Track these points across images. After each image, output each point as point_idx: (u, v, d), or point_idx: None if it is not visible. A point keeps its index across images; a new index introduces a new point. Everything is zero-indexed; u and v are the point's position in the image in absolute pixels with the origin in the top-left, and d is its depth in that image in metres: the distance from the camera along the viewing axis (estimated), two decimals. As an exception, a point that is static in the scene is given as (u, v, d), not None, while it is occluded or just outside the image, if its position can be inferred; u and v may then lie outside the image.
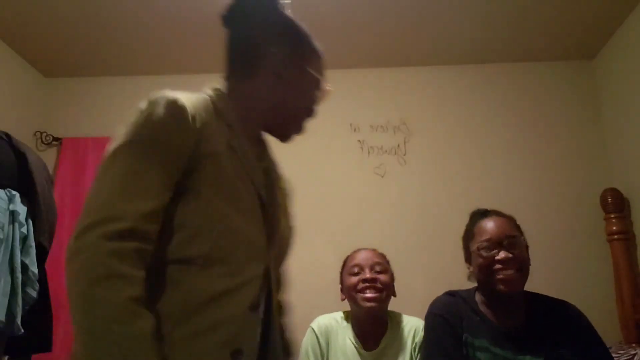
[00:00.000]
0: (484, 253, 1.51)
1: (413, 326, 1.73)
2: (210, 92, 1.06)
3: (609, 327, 2.59)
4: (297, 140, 3.31)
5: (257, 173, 1.03)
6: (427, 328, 1.59)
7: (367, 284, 1.69)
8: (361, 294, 1.69)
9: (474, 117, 3.03)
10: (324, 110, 3.45)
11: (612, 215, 2.66)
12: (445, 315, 1.55)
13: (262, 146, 1.16)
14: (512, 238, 1.51)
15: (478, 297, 1.59)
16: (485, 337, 1.49)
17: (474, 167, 2.94)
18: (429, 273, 2.74)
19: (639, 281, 2.61)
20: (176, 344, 0.85)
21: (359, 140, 3.04)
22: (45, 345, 1.91)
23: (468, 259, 1.61)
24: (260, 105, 1.08)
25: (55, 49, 2.93)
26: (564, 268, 2.73)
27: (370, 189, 2.94)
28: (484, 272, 1.51)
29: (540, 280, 2.64)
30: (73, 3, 2.55)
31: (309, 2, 2.56)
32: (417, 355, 1.65)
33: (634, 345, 2.38)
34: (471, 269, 1.59)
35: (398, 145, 3.02)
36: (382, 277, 1.73)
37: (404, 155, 3.00)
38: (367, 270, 1.73)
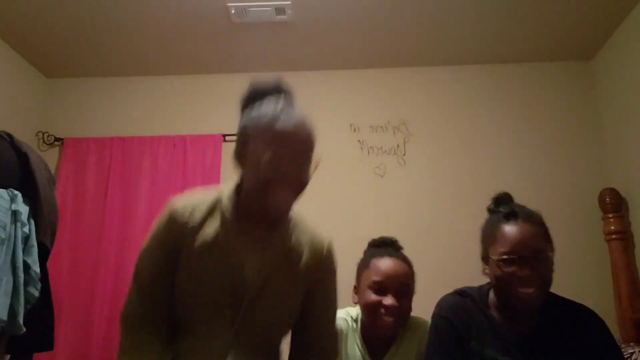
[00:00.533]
0: (504, 267, 1.34)
1: (423, 332, 1.56)
2: (228, 186, 1.25)
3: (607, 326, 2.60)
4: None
5: (236, 264, 1.16)
6: (432, 331, 1.48)
7: (389, 310, 1.50)
8: (378, 317, 1.51)
9: (472, 118, 3.04)
10: (324, 110, 3.51)
11: (610, 215, 2.68)
12: (452, 319, 1.43)
13: (269, 233, 1.21)
14: (540, 253, 1.35)
15: (492, 297, 1.46)
16: (494, 345, 1.38)
17: (472, 167, 2.96)
18: (428, 272, 2.74)
19: (637, 280, 2.62)
20: None
21: (358, 141, 3.05)
22: (47, 344, 1.92)
23: (485, 259, 1.44)
24: (244, 194, 1.21)
25: (57, 49, 2.94)
26: (562, 267, 2.71)
27: (370, 189, 2.96)
28: (501, 285, 1.36)
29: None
30: (75, 4, 2.56)
31: (309, 4, 2.57)
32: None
33: (632, 344, 2.39)
34: (487, 270, 1.43)
35: (398, 146, 3.03)
36: (405, 303, 1.54)
37: (404, 155, 3.02)
38: (390, 295, 1.50)
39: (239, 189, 1.22)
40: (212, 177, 2.93)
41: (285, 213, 1.20)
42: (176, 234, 1.18)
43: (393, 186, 2.96)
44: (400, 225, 2.85)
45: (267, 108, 1.20)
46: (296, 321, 1.25)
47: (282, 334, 1.25)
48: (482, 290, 1.49)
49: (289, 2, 2.57)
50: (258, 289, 1.16)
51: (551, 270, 1.37)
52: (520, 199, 2.90)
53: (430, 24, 2.75)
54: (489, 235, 1.42)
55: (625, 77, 2.72)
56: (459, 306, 1.46)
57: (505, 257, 1.33)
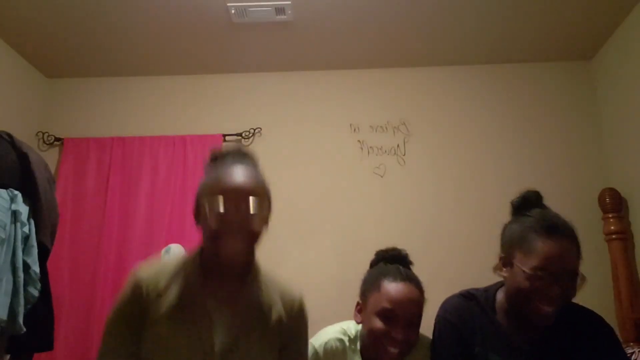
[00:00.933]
0: (533, 281, 1.26)
1: (427, 351, 1.46)
2: (196, 250, 1.26)
3: (607, 326, 2.60)
4: (298, 141, 3.33)
5: (205, 326, 1.16)
6: (436, 334, 1.45)
7: (396, 343, 1.37)
8: (383, 347, 1.38)
9: (472, 118, 3.04)
10: (324, 110, 3.50)
11: (610, 215, 2.68)
12: (456, 323, 1.40)
13: (237, 291, 1.23)
14: (575, 276, 1.28)
15: (500, 300, 1.41)
16: (499, 350, 1.34)
17: (472, 167, 2.96)
18: (428, 273, 2.73)
19: (637, 280, 2.62)
20: None
21: (358, 141, 3.05)
22: (47, 344, 1.92)
23: (506, 262, 1.36)
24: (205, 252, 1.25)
25: (57, 50, 2.94)
26: (562, 268, 2.74)
27: (369, 189, 2.96)
28: (522, 296, 1.29)
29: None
30: (75, 5, 2.56)
31: (309, 4, 2.57)
32: None
33: (631, 344, 2.39)
34: (505, 273, 1.36)
35: (397, 146, 3.03)
36: (414, 335, 1.41)
37: (404, 155, 3.02)
38: (400, 327, 1.37)
39: (202, 249, 1.25)
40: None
41: (239, 262, 1.22)
42: (140, 304, 1.18)
43: (393, 186, 2.96)
44: (401, 226, 2.86)
45: (220, 168, 1.24)
46: None
47: None
48: (488, 293, 1.44)
49: (289, 2, 2.57)
50: (229, 350, 1.15)
51: (576, 289, 1.30)
52: (520, 198, 2.90)
53: (430, 24, 2.75)
54: (521, 242, 1.32)
55: (625, 77, 2.72)
56: (463, 309, 1.42)
57: (539, 272, 1.25)
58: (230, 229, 1.14)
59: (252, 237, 1.20)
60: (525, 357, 1.33)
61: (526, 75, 3.08)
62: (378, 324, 1.39)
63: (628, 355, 2.23)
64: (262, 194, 1.23)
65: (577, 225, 2.95)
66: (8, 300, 1.70)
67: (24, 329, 1.74)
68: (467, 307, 1.43)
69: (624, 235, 2.65)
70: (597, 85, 3.02)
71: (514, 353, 1.34)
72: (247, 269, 1.26)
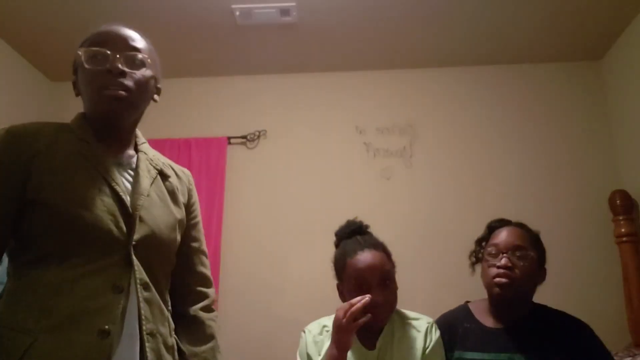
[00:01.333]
0: (489, 259, 1.57)
1: (423, 324, 1.53)
2: (76, 117, 1.26)
3: (618, 329, 2.56)
4: (303, 143, 3.31)
5: (113, 175, 1.14)
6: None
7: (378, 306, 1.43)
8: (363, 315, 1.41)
9: (480, 119, 3.01)
10: (329, 112, 3.48)
11: (621, 217, 2.64)
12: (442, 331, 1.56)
13: (130, 152, 1.26)
14: (520, 249, 1.53)
15: (473, 308, 1.63)
16: (475, 342, 1.51)
17: (481, 169, 2.93)
18: (435, 276, 2.73)
19: (649, 284, 2.58)
20: (40, 336, 0.97)
21: (364, 143, 3.03)
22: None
23: (478, 259, 1.69)
24: (84, 104, 1.24)
25: (62, 52, 2.93)
26: (572, 270, 2.71)
27: (376, 192, 2.93)
28: (485, 276, 1.58)
29: (548, 283, 2.63)
30: (79, 8, 2.56)
31: (314, 5, 2.55)
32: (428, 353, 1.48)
33: (643, 348, 2.36)
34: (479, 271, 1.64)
35: (404, 148, 3.01)
36: (391, 294, 1.49)
37: (410, 157, 2.99)
38: (375, 292, 1.43)
39: (83, 115, 1.24)
40: (217, 179, 2.92)
41: (120, 103, 1.17)
42: (23, 152, 1.08)
43: (400, 189, 2.93)
44: (408, 229, 2.83)
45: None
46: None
47: (173, 250, 1.23)
48: (463, 306, 1.67)
49: (294, 4, 2.55)
50: (142, 198, 1.15)
51: (532, 268, 1.54)
52: (529, 200, 2.89)
53: (437, 24, 2.73)
54: (484, 238, 1.71)
55: (635, 77, 2.69)
56: (447, 317, 1.63)
57: (491, 248, 1.58)
58: (112, 71, 1.14)
59: (133, 93, 1.18)
60: (495, 337, 1.50)
61: (535, 76, 3.05)
62: (354, 295, 1.45)
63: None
64: (138, 37, 1.25)
65: (588, 228, 2.96)
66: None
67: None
68: (450, 314, 1.64)
69: (635, 237, 2.61)
70: (606, 86, 2.99)
71: (485, 337, 1.51)
72: (133, 137, 1.31)
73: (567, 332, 1.49)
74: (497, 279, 1.50)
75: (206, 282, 1.34)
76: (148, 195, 1.17)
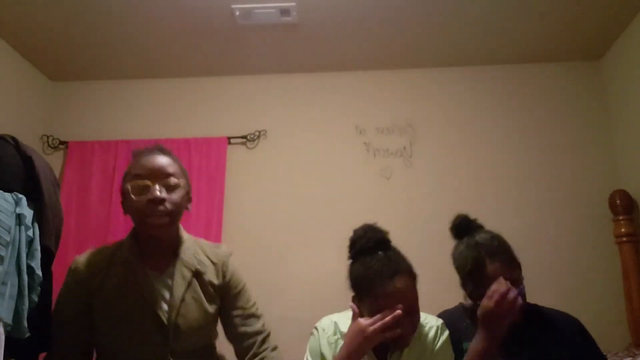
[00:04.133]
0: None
1: (433, 327, 1.49)
2: (129, 234, 1.52)
3: (618, 330, 2.57)
4: (303, 143, 3.31)
5: (153, 293, 1.41)
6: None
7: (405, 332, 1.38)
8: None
9: (480, 119, 3.01)
10: (329, 112, 3.48)
11: (621, 217, 2.64)
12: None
13: (171, 259, 1.49)
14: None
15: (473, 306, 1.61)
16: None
17: (480, 169, 2.93)
18: (435, 276, 2.73)
19: (649, 283, 2.58)
20: None
21: (364, 143, 3.03)
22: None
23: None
24: (134, 224, 1.49)
25: (62, 52, 2.94)
26: (572, 270, 2.71)
27: (376, 192, 2.93)
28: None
29: (548, 283, 2.64)
30: (79, 8, 2.56)
31: (314, 5, 2.55)
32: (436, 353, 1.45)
33: (643, 348, 2.36)
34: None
35: (404, 148, 3.01)
36: (416, 317, 1.42)
37: (410, 157, 2.99)
38: (403, 320, 1.36)
39: (134, 235, 1.50)
40: (216, 179, 2.92)
41: (165, 236, 1.45)
42: (83, 288, 1.45)
43: (400, 189, 2.93)
44: (408, 229, 2.83)
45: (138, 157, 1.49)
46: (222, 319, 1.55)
47: (210, 333, 1.52)
48: (457, 306, 1.67)
49: (294, 4, 2.55)
50: (177, 307, 1.41)
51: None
52: (529, 200, 2.90)
53: (436, 24, 2.73)
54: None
55: (635, 76, 2.69)
56: (452, 315, 1.62)
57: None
58: (153, 202, 1.38)
59: (175, 210, 1.42)
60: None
61: (535, 76, 3.06)
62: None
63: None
64: (173, 167, 1.46)
65: (588, 228, 2.96)
66: (13, 304, 1.68)
67: (28, 333, 1.73)
68: (451, 315, 1.62)
69: (635, 237, 2.62)
70: (606, 85, 2.99)
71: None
72: (175, 242, 1.50)
73: (558, 327, 1.50)
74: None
75: (250, 335, 1.55)
76: (183, 301, 1.42)
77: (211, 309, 1.48)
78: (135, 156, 1.49)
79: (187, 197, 1.51)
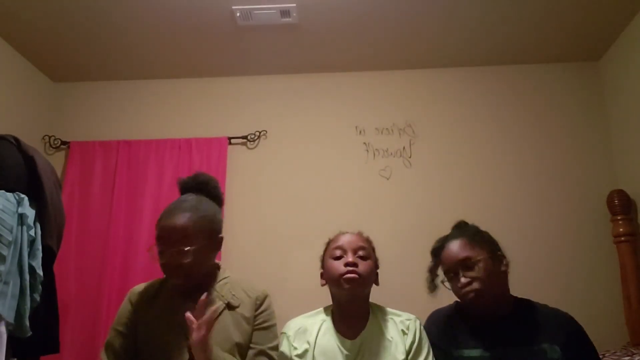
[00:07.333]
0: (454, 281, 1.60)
1: (404, 321, 1.60)
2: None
3: (616, 329, 2.58)
4: (303, 143, 3.32)
5: (176, 325, 1.49)
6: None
7: (349, 268, 1.57)
8: (342, 275, 1.56)
9: (479, 119, 3.03)
10: (329, 112, 3.49)
11: (619, 217, 2.65)
12: (434, 341, 1.59)
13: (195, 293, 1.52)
14: (467, 262, 1.57)
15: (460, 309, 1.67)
16: (467, 339, 1.55)
17: (479, 169, 2.94)
18: (434, 275, 2.74)
19: (646, 283, 2.59)
20: None
21: (364, 143, 3.04)
22: (53, 347, 1.92)
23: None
24: None
25: (64, 54, 2.95)
26: (570, 270, 2.72)
27: (375, 192, 2.95)
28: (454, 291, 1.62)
29: (547, 282, 2.65)
30: (81, 9, 2.57)
31: (315, 6, 2.57)
32: (413, 352, 1.54)
33: (641, 347, 2.37)
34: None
35: (404, 148, 3.02)
36: (364, 265, 1.61)
37: (410, 157, 3.00)
38: (349, 255, 1.60)
39: None
40: (217, 179, 2.92)
41: (181, 275, 1.50)
42: (132, 311, 1.59)
43: (399, 188, 2.94)
44: (407, 228, 2.84)
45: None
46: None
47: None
48: (451, 305, 1.69)
49: (294, 5, 2.57)
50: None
51: (489, 269, 1.56)
52: (527, 200, 2.90)
53: (436, 25, 2.74)
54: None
55: (633, 77, 2.70)
56: (440, 320, 1.65)
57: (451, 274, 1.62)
58: (168, 257, 1.48)
59: (186, 266, 1.49)
60: (491, 331, 1.53)
61: (533, 77, 3.07)
62: (333, 262, 1.61)
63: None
64: (193, 228, 1.52)
65: (586, 228, 2.97)
66: (15, 304, 1.70)
67: (30, 332, 1.74)
68: (443, 315, 1.66)
69: (633, 237, 2.62)
70: (605, 86, 3.00)
71: (478, 333, 1.55)
72: (208, 279, 1.60)
73: (551, 323, 1.52)
74: (465, 292, 1.55)
75: None
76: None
77: (236, 337, 1.51)
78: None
79: (210, 246, 1.59)
